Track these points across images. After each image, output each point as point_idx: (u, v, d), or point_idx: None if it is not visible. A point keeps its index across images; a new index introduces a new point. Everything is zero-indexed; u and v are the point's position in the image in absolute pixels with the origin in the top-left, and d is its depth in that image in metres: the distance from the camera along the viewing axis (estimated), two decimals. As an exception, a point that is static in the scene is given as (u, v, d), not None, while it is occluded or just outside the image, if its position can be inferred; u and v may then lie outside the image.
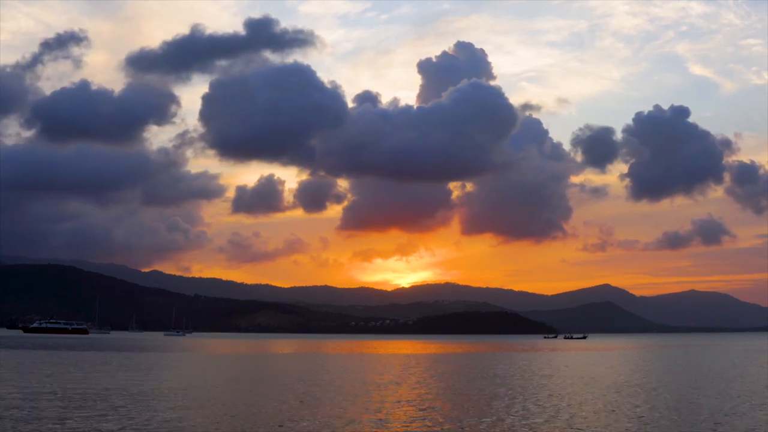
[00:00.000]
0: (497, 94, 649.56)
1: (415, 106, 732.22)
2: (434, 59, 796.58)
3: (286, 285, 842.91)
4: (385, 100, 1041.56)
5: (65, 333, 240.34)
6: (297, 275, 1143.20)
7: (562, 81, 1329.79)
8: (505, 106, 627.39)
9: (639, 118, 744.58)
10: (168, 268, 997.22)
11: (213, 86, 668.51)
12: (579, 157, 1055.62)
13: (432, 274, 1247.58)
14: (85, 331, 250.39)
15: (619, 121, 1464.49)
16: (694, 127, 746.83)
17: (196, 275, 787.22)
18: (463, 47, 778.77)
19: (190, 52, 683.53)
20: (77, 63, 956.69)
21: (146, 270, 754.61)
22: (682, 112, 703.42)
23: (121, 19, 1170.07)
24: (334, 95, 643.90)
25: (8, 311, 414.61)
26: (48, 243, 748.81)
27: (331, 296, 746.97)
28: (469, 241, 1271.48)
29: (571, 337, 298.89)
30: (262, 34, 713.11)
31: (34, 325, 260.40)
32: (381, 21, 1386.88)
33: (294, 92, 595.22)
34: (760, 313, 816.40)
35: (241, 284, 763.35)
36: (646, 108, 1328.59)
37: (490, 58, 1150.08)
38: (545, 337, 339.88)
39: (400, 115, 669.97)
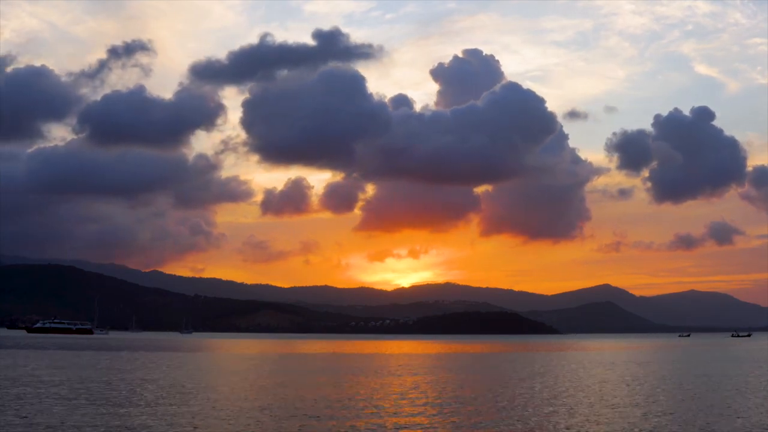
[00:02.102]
0: (538, 100, 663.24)
1: (432, 109, 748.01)
2: (446, 64, 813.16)
3: (286, 285, 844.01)
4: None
5: (69, 333, 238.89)
6: (297, 275, 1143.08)
7: (566, 80, 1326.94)
8: (545, 112, 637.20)
9: (660, 120, 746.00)
10: (181, 268, 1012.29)
11: (253, 92, 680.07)
12: (605, 160, 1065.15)
13: (432, 274, 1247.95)
14: (89, 332, 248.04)
15: (624, 121, 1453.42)
16: (719, 130, 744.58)
17: (196, 275, 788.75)
18: (474, 54, 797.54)
19: (258, 61, 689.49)
20: (146, 71, 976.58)
21: (146, 270, 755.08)
22: (707, 114, 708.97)
23: (124, 17, 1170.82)
24: (380, 104, 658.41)
25: (8, 311, 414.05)
26: (67, 244, 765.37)
27: (331, 296, 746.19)
28: (482, 243, 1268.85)
29: (738, 335, 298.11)
30: (330, 46, 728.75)
31: (38, 325, 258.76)
32: (386, 20, 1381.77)
33: (339, 98, 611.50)
34: (760, 313, 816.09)
35: (241, 284, 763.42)
36: (650, 107, 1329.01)
37: (502, 67, 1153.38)
38: (680, 336, 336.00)
39: (435, 118, 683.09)
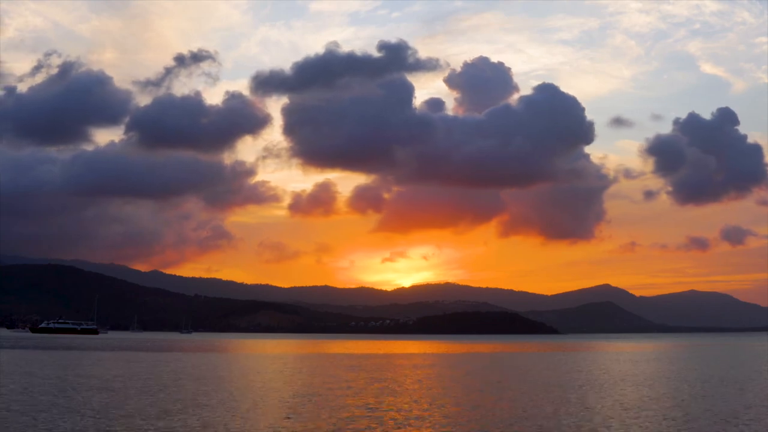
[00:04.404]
0: (578, 107, 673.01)
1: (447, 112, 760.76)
2: (458, 70, 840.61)
3: (286, 285, 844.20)
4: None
5: (74, 333, 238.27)
6: (298, 275, 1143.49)
7: (572, 79, 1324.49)
8: (584, 121, 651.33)
9: (681, 121, 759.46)
10: (195, 269, 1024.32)
11: (293, 98, 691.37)
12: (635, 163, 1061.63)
13: (433, 274, 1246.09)
14: (95, 332, 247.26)
15: (629, 121, 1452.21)
16: (743, 136, 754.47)
17: (197, 275, 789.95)
18: (483, 61, 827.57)
19: (322, 70, 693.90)
20: (214, 79, 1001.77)
21: (146, 270, 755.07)
22: (730, 118, 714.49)
23: (128, 17, 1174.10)
24: (421, 113, 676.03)
25: (8, 311, 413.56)
26: (79, 245, 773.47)
27: (331, 296, 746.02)
28: (497, 244, 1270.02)
29: None
30: (395, 58, 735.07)
31: (42, 325, 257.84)
32: (392, 19, 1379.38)
33: (382, 106, 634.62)
34: (760, 313, 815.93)
35: (241, 284, 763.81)
36: (653, 107, 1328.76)
37: (514, 76, 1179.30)
38: None
39: (467, 122, 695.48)
